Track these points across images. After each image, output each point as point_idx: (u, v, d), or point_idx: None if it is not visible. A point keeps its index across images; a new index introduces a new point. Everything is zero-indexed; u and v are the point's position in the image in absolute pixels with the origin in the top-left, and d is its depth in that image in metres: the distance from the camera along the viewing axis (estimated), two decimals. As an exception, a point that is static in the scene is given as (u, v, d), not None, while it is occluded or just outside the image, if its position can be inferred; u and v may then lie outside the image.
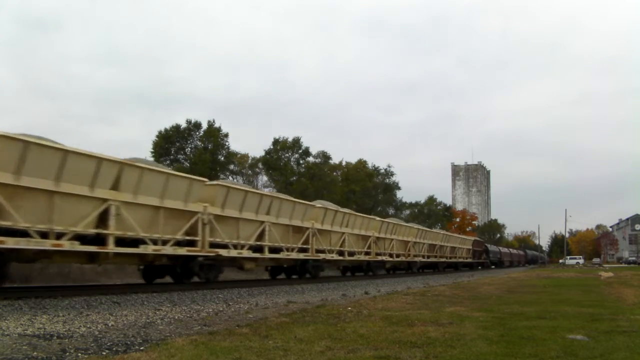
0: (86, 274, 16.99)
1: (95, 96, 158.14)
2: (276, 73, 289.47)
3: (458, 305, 10.06)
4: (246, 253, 15.53)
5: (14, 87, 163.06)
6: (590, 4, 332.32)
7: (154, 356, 4.74)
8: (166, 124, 48.28)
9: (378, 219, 27.41)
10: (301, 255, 18.59)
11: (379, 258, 25.31)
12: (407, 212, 78.45)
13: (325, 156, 57.83)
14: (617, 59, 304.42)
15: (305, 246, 18.84)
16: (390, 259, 26.55)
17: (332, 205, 22.75)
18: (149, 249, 12.09)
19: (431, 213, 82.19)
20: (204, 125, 48.43)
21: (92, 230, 10.90)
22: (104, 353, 4.92)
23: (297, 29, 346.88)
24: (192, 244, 13.52)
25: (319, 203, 21.69)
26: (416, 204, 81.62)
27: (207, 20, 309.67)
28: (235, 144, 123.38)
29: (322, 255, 19.79)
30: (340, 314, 8.24)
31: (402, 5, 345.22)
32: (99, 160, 10.91)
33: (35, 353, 4.80)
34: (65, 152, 10.25)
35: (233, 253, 14.94)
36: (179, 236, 13.03)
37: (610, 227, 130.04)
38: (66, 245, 10.25)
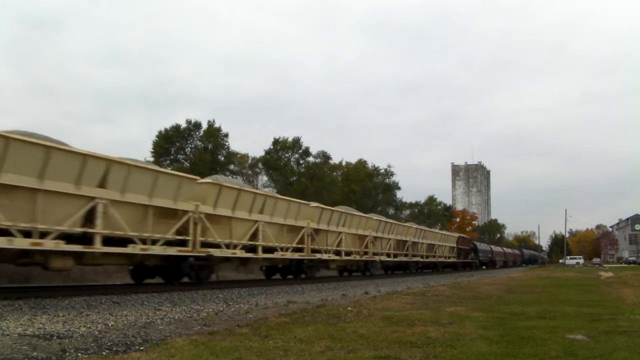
0: (86, 274, 16.98)
1: (95, 96, 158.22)
2: (278, 73, 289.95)
3: (458, 305, 10.06)
4: (239, 253, 15.30)
5: (15, 87, 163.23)
6: (592, 4, 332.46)
7: (154, 356, 4.74)
8: (167, 123, 48.38)
9: (376, 217, 27.30)
10: (296, 255, 18.39)
11: (375, 258, 25.15)
12: (407, 212, 78.47)
13: (325, 156, 57.87)
14: (618, 59, 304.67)
15: (300, 246, 18.66)
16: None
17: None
18: (138, 248, 11.84)
19: (431, 213, 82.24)
20: (204, 125, 48.47)
21: (78, 229, 10.62)
22: (104, 353, 4.92)
23: (299, 28, 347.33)
24: (183, 243, 13.28)
25: (314, 204, 21.46)
26: (416, 204, 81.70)
27: (209, 20, 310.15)
28: (236, 144, 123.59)
29: (317, 255, 19.59)
30: (340, 314, 8.24)
31: (404, 5, 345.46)
32: (85, 157, 10.62)
33: (35, 353, 4.80)
34: (49, 149, 9.93)
35: (226, 253, 14.70)
36: (169, 235, 12.78)
37: (610, 227, 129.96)
38: (50, 244, 9.95)
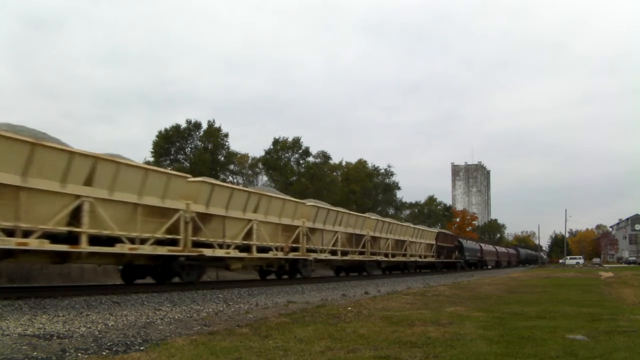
0: (86, 274, 17.00)
1: (96, 96, 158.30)
2: (278, 73, 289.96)
3: (458, 305, 10.06)
4: (232, 253, 15.04)
5: (15, 86, 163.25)
6: (592, 4, 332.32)
7: (154, 356, 4.74)
8: (167, 123, 48.40)
9: (374, 216, 27.01)
10: (291, 255, 18.10)
11: (374, 258, 24.86)
12: (407, 212, 78.48)
13: (325, 156, 57.86)
14: (619, 59, 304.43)
15: (295, 245, 18.42)
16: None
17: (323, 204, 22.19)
18: (126, 248, 11.57)
19: (431, 213, 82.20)
20: (204, 125, 48.48)
21: (64, 228, 10.35)
22: (104, 353, 4.93)
23: (300, 28, 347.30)
24: (173, 243, 13.01)
25: (310, 202, 21.15)
26: (416, 204, 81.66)
27: (209, 20, 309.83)
28: (237, 144, 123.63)
29: (313, 255, 19.31)
30: (340, 314, 8.24)
31: (404, 5, 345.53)
32: (71, 154, 10.35)
33: (35, 353, 4.80)
34: (33, 145, 9.65)
35: (218, 253, 14.47)
36: (159, 235, 12.51)
37: (610, 227, 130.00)
38: (34, 244, 9.67)
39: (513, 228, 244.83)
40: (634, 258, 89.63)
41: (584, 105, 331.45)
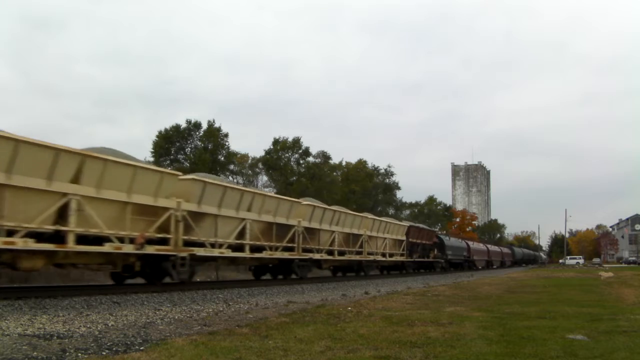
0: (86, 273, 16.96)
1: (97, 96, 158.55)
2: (279, 73, 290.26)
3: (458, 305, 10.06)
4: (225, 252, 14.74)
5: (16, 87, 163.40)
6: (594, 3, 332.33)
7: (154, 356, 4.74)
8: (168, 123, 48.21)
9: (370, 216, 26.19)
10: (286, 255, 17.76)
11: (370, 257, 24.51)
12: (407, 212, 78.47)
13: (325, 156, 57.86)
14: (619, 59, 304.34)
15: (291, 245, 18.06)
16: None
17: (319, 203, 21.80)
18: (114, 247, 11.31)
19: (431, 213, 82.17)
20: (204, 125, 48.49)
21: (50, 227, 10.07)
22: (104, 353, 4.93)
23: (301, 28, 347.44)
24: (164, 242, 12.74)
25: (306, 200, 20.80)
26: (416, 204, 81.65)
27: (211, 20, 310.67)
28: (238, 144, 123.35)
29: (309, 255, 19.02)
30: (340, 314, 8.24)
31: (405, 4, 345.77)
32: (57, 151, 10.06)
33: (35, 353, 4.80)
34: (17, 142, 9.41)
35: (210, 252, 14.17)
36: (150, 234, 12.26)
37: (610, 227, 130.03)
38: (18, 243, 9.37)
39: (513, 228, 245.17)
40: (634, 258, 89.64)
41: (585, 105, 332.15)
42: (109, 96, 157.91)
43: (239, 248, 15.52)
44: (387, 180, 67.21)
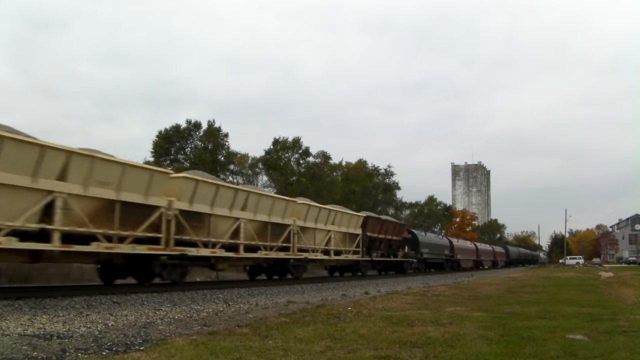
0: (86, 274, 16.98)
1: (98, 96, 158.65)
2: (280, 73, 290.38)
3: (458, 305, 10.06)
4: (218, 252, 14.52)
5: (17, 86, 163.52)
6: (596, 3, 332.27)
7: (154, 356, 4.74)
8: (169, 123, 48.32)
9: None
10: (281, 254, 17.53)
11: (301, 255, 22.31)
12: (407, 212, 78.48)
13: (325, 156, 57.90)
14: (621, 58, 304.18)
15: (286, 245, 17.83)
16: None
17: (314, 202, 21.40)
18: (102, 246, 11.06)
19: (431, 213, 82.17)
20: (204, 125, 48.52)
21: (35, 225, 9.87)
22: (104, 353, 4.93)
23: (302, 28, 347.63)
24: (155, 241, 12.51)
25: (300, 199, 20.55)
26: (416, 204, 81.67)
27: (211, 20, 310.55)
28: (238, 144, 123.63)
29: (304, 254, 18.78)
30: (340, 314, 8.24)
31: (407, 4, 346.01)
32: (42, 147, 9.83)
33: (35, 353, 4.80)
34: (1, 138, 9.27)
35: (203, 252, 13.98)
36: (139, 233, 12.01)
37: (610, 227, 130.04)
38: (2, 242, 9.23)
39: (513, 228, 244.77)
40: (634, 258, 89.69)
41: (585, 105, 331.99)
42: (109, 96, 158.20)
43: (233, 248, 15.31)
44: (387, 180, 67.26)
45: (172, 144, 47.59)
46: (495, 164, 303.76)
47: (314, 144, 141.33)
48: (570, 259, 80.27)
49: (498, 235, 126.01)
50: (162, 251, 12.72)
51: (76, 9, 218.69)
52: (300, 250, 18.05)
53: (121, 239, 11.65)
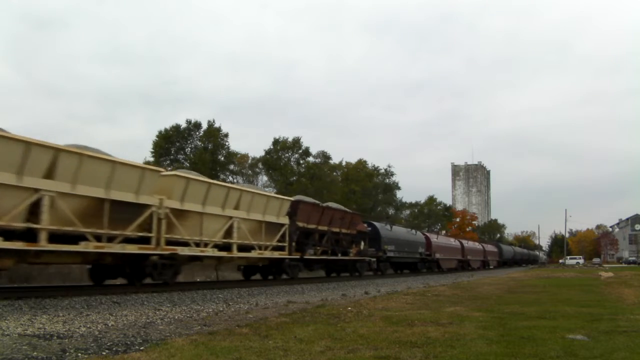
0: (86, 274, 16.98)
1: (99, 95, 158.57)
2: (281, 72, 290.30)
3: (458, 305, 10.06)
4: (210, 251, 14.35)
5: (18, 86, 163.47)
6: (597, 3, 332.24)
7: (154, 356, 4.74)
8: (170, 123, 48.34)
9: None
10: (276, 254, 17.26)
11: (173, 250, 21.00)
12: (407, 212, 78.48)
13: (325, 156, 57.94)
14: (622, 58, 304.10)
15: (281, 244, 17.58)
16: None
17: (308, 198, 21.24)
18: (91, 246, 10.86)
19: (431, 213, 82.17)
20: (204, 125, 48.55)
21: (21, 224, 9.66)
22: (104, 353, 4.92)
23: (303, 28, 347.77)
24: (146, 241, 12.29)
25: (297, 197, 20.25)
26: (416, 204, 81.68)
27: (213, 19, 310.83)
28: (239, 144, 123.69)
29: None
30: (340, 314, 8.24)
31: (408, 4, 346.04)
32: (27, 144, 9.62)
33: (35, 353, 4.80)
34: None
35: (194, 251, 13.78)
36: (129, 232, 11.79)
37: (610, 227, 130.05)
38: None
39: (513, 228, 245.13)
40: (634, 258, 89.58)
41: (586, 105, 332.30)
42: (110, 96, 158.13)
43: (226, 247, 15.07)
44: (387, 180, 67.28)
45: (172, 144, 47.64)
46: (495, 164, 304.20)
47: (314, 144, 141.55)
48: (570, 259, 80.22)
49: (498, 235, 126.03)
50: (153, 250, 12.51)
51: (77, 9, 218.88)
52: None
53: (111, 239, 11.44)
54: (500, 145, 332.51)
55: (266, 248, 17.07)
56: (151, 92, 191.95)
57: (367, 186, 60.21)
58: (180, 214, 13.36)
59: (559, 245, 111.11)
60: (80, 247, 10.70)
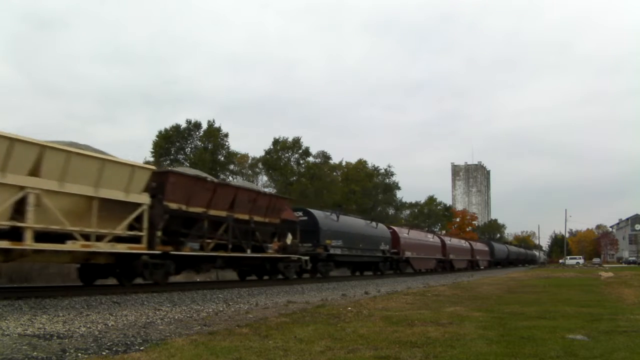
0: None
1: (99, 95, 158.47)
2: (281, 72, 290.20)
3: (458, 305, 10.06)
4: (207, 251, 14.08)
5: (19, 86, 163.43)
6: (598, 2, 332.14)
7: (154, 356, 4.74)
8: (171, 123, 48.35)
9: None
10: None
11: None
12: (407, 212, 78.47)
13: (325, 156, 57.95)
14: (623, 58, 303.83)
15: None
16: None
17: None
18: (78, 245, 10.61)
19: (431, 213, 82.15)
20: (204, 125, 48.56)
21: (5, 223, 9.42)
22: (104, 353, 4.92)
23: (303, 28, 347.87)
24: (137, 240, 12.10)
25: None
26: (416, 204, 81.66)
27: (213, 19, 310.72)
28: (239, 144, 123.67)
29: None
30: (340, 314, 8.24)
31: (409, 4, 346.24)
32: (11, 141, 9.40)
33: (35, 353, 4.80)
34: None
35: (187, 251, 13.66)
36: (119, 231, 11.55)
37: (610, 227, 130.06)
38: None
39: (513, 228, 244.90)
40: (634, 258, 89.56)
41: (586, 105, 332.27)
42: (111, 96, 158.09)
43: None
44: (387, 180, 67.29)
45: (172, 144, 47.65)
46: (495, 164, 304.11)
47: (314, 144, 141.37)
48: (570, 259, 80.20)
49: (498, 235, 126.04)
50: (144, 250, 12.24)
51: (78, 9, 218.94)
52: None
53: (99, 238, 11.25)
54: (500, 145, 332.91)
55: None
56: (152, 92, 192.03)
57: (367, 186, 60.21)
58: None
59: (559, 245, 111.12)
60: (67, 246, 10.48)
